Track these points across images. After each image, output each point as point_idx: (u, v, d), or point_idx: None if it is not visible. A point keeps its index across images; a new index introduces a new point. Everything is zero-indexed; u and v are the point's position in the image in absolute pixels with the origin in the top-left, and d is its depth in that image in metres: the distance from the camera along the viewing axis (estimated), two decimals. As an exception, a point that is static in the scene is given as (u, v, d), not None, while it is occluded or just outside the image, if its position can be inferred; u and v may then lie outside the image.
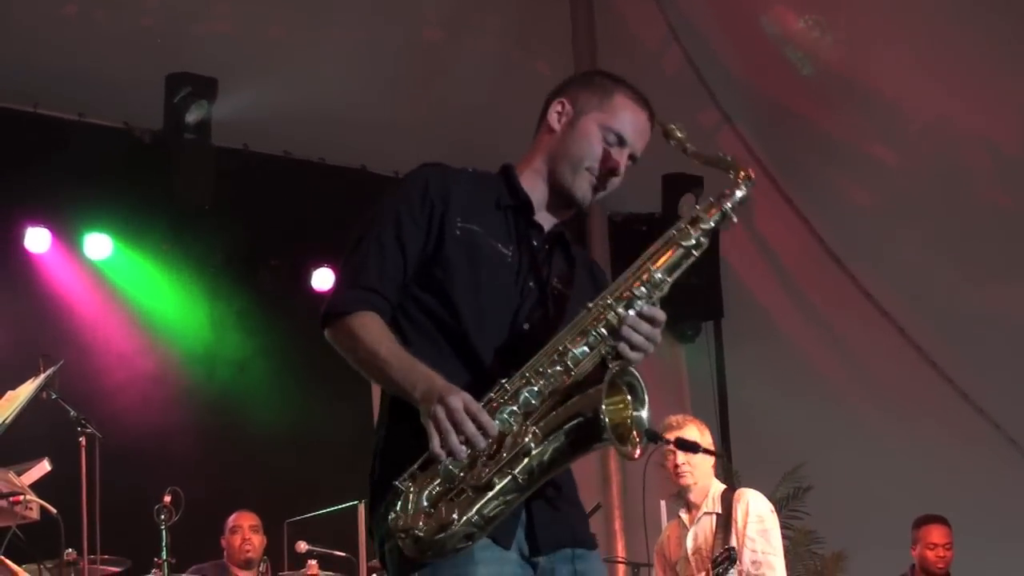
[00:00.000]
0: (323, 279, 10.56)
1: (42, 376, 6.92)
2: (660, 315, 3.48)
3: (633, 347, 3.43)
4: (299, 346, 10.40)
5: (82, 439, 7.78)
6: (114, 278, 9.93)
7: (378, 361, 3.47)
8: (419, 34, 10.89)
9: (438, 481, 3.33)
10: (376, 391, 10.74)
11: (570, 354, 3.41)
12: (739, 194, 3.69)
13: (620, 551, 10.88)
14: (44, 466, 6.91)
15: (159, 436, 9.53)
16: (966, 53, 9.96)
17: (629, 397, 3.41)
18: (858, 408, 10.85)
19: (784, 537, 7.28)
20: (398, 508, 3.34)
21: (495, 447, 3.33)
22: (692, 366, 11.94)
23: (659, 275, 3.51)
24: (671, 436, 7.05)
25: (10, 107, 9.24)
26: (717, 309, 11.96)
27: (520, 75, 11.37)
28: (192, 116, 9.41)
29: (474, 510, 3.30)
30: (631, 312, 3.44)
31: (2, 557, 6.54)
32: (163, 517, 8.16)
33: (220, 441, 10.02)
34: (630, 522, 11.05)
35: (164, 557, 8.26)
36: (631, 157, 3.72)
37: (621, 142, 3.69)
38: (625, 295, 3.47)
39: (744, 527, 6.94)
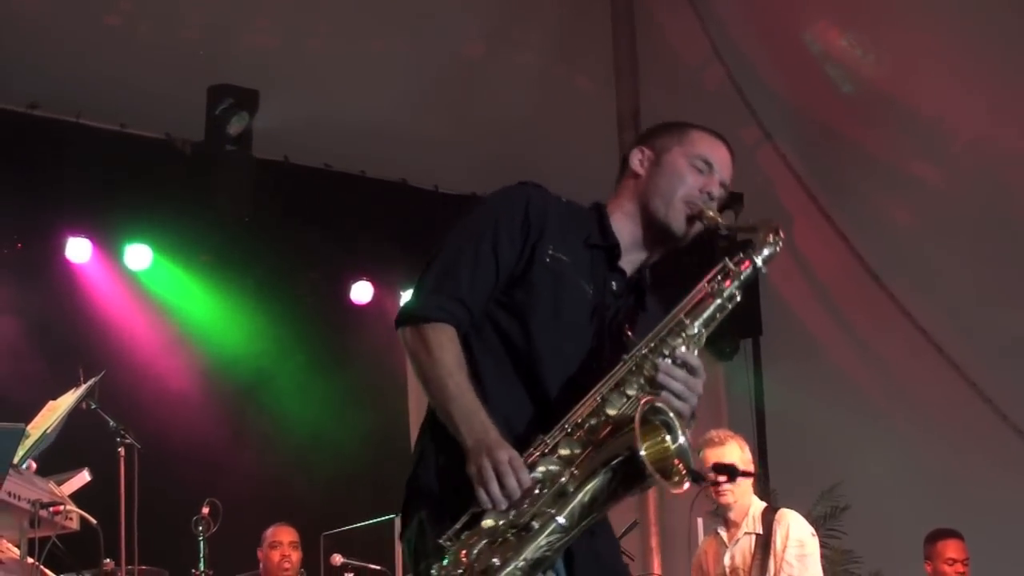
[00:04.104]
0: (362, 292, 10.59)
1: (83, 386, 6.94)
2: (695, 361, 3.50)
3: (673, 394, 3.45)
4: (337, 359, 10.46)
5: (121, 449, 7.81)
6: (154, 288, 9.96)
7: (445, 390, 3.48)
8: (460, 48, 10.91)
9: (481, 535, 3.35)
10: (413, 405, 10.69)
11: (608, 404, 3.44)
12: (767, 251, 3.69)
13: (656, 568, 10.85)
14: (84, 476, 6.92)
15: (198, 447, 9.56)
16: (1007, 71, 9.92)
17: (667, 435, 3.41)
18: (896, 427, 10.80)
19: (821, 557, 7.24)
20: (444, 562, 3.35)
21: (536, 491, 3.35)
22: (730, 383, 11.90)
23: (695, 328, 3.54)
24: (712, 452, 7.02)
25: (53, 117, 9.28)
26: (756, 326, 11.92)
27: (561, 90, 11.39)
28: (233, 128, 9.42)
29: (518, 554, 3.31)
30: (667, 360, 3.47)
31: (42, 566, 6.56)
32: (201, 528, 8.19)
33: (258, 453, 10.03)
34: (666, 539, 11.03)
35: (202, 568, 8.30)
36: (721, 185, 3.77)
37: (708, 166, 3.74)
38: (661, 346, 3.50)
39: (783, 550, 6.89)
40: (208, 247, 9.92)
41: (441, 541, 3.36)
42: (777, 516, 7.02)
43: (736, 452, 7.06)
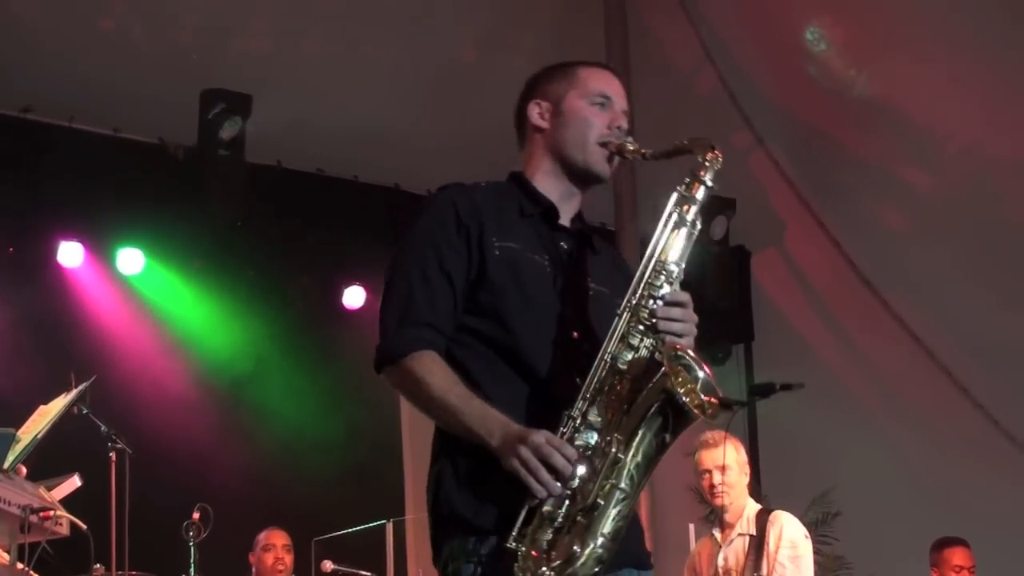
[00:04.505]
0: (354, 297, 10.60)
1: (74, 391, 6.93)
2: (684, 296, 3.51)
3: (676, 334, 3.47)
4: (329, 364, 10.45)
5: (112, 454, 7.80)
6: (146, 293, 9.96)
7: (448, 407, 3.46)
8: (453, 52, 10.89)
9: (546, 525, 3.32)
10: (405, 411, 10.72)
11: (620, 361, 3.44)
12: (715, 167, 3.62)
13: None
14: (75, 481, 6.91)
15: (189, 452, 9.56)
16: (1000, 77, 9.92)
17: (689, 374, 3.42)
18: (888, 432, 10.80)
19: (813, 562, 7.25)
20: (520, 564, 3.31)
21: (590, 468, 3.33)
22: (722, 388, 11.86)
23: (672, 265, 3.53)
24: (707, 453, 7.06)
25: (46, 121, 9.28)
26: (748, 332, 11.94)
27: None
28: (226, 132, 9.41)
29: (595, 533, 3.30)
30: (659, 304, 3.48)
31: (32, 572, 6.55)
32: (192, 533, 8.18)
33: (249, 458, 10.03)
34: (659, 545, 11.02)
35: (192, 573, 8.28)
36: (625, 114, 3.78)
37: (608, 99, 3.75)
38: (649, 290, 3.49)
39: (776, 551, 6.91)
40: (201, 252, 9.91)
41: (508, 545, 3.31)
42: (771, 517, 7.05)
43: (732, 454, 7.09)
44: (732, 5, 11.53)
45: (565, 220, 3.75)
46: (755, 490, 7.74)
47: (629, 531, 3.47)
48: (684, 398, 3.32)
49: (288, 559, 9.04)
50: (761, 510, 7.15)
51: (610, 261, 3.81)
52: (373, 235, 10.27)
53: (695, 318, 3.52)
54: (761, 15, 11.31)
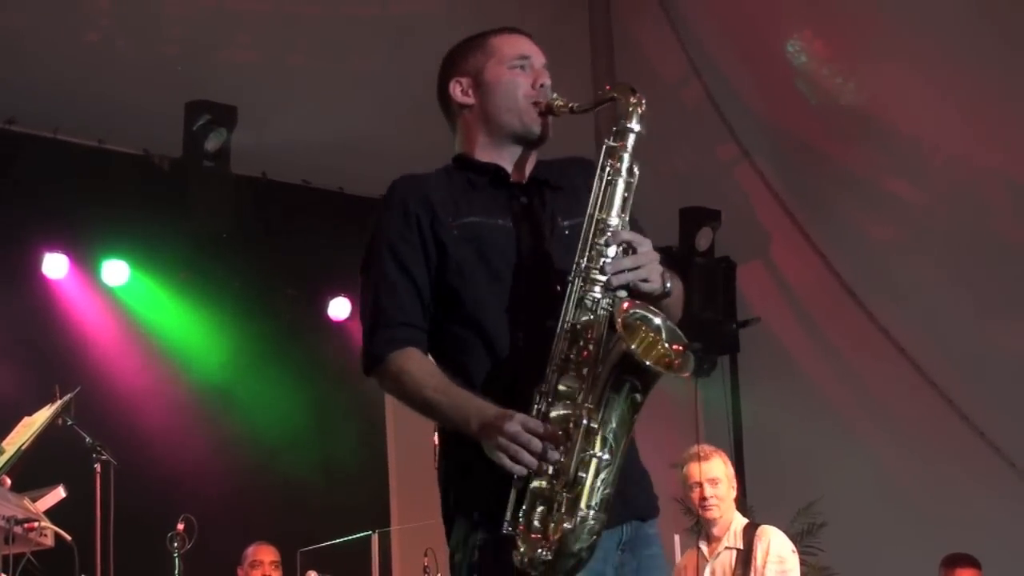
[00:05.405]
0: (340, 308, 10.58)
1: (58, 402, 6.92)
2: (628, 236, 3.45)
3: (635, 284, 3.42)
4: (315, 375, 10.44)
5: (97, 466, 7.77)
6: (131, 304, 9.93)
7: (428, 403, 3.49)
8: (439, 64, 10.88)
9: (535, 504, 3.33)
10: (391, 421, 10.72)
11: (578, 329, 3.40)
12: (638, 112, 3.57)
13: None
14: (59, 492, 6.90)
15: (174, 464, 9.53)
16: (986, 88, 9.95)
17: (647, 326, 3.40)
18: (873, 444, 10.81)
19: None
20: (519, 549, 3.32)
21: (566, 443, 3.32)
22: (707, 401, 11.90)
23: (615, 219, 3.48)
24: (696, 466, 7.06)
25: (30, 132, 9.26)
26: (733, 344, 11.94)
27: (539, 107, 11.37)
28: (211, 144, 9.39)
29: (582, 505, 3.30)
30: (607, 260, 3.42)
31: (16, 583, 6.54)
32: (176, 545, 8.16)
33: (234, 469, 10.01)
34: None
35: (177, 584, 8.25)
36: (546, 71, 3.76)
37: (526, 59, 3.74)
38: (595, 252, 3.44)
39: (763, 566, 6.91)
40: (186, 263, 9.89)
41: (505, 531, 3.33)
42: (758, 532, 7.05)
43: (721, 467, 7.11)
44: (718, 17, 11.56)
45: (519, 178, 3.72)
46: (741, 502, 7.75)
47: (630, 484, 3.50)
48: (642, 358, 3.30)
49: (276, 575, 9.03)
50: (748, 524, 7.16)
51: (581, 185, 3.68)
52: (358, 247, 10.21)
53: (652, 256, 3.46)
54: (747, 27, 11.34)
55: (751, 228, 11.63)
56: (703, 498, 7.08)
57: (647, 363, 3.30)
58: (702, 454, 7.11)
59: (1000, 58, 9.81)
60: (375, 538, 9.31)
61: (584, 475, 3.30)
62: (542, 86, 3.71)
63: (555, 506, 3.32)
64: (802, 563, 7.24)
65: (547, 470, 3.30)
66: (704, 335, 11.19)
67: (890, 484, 10.52)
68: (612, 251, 3.44)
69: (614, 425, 3.34)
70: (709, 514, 7.10)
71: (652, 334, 3.41)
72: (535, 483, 3.33)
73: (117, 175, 9.52)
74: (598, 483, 3.32)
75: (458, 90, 3.77)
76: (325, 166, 10.36)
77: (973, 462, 10.26)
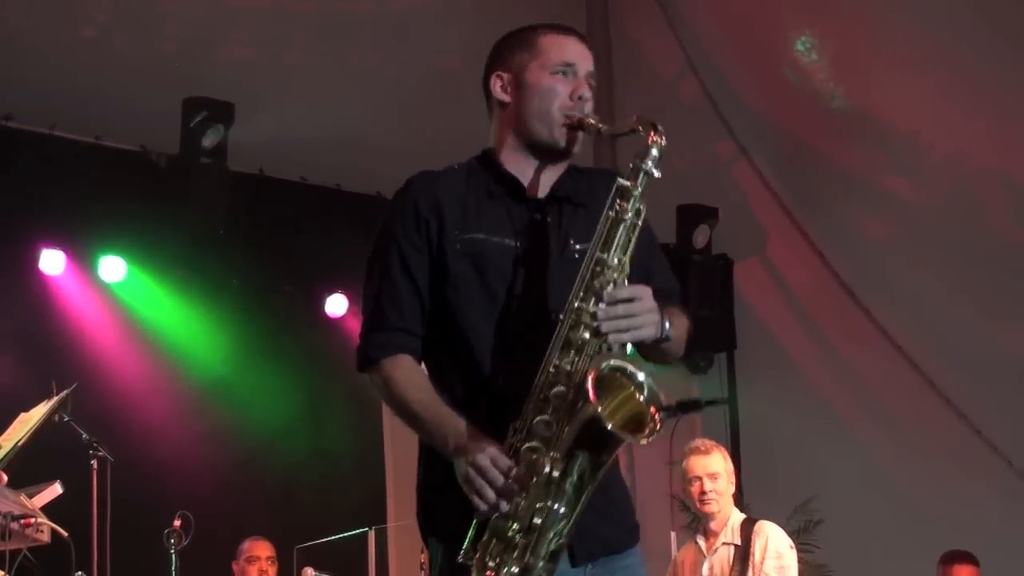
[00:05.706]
0: (337, 305, 10.58)
1: (55, 399, 6.93)
2: (626, 292, 3.40)
3: (623, 332, 3.37)
4: (311, 372, 10.44)
5: (94, 462, 7.78)
6: (128, 301, 9.93)
7: (410, 414, 3.51)
8: (435, 62, 10.89)
9: (492, 539, 3.32)
10: (387, 418, 10.71)
11: (563, 370, 3.36)
12: (655, 152, 3.52)
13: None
14: (56, 489, 6.91)
15: (170, 460, 9.54)
16: (984, 86, 9.94)
17: (632, 384, 3.36)
18: (870, 442, 10.80)
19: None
20: None
21: (527, 487, 3.30)
22: (704, 397, 11.88)
23: (615, 259, 3.44)
24: (697, 460, 7.07)
25: (27, 129, 9.24)
26: (730, 341, 11.93)
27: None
28: (208, 140, 9.38)
29: (532, 555, 3.29)
30: (601, 305, 3.37)
31: (12, 579, 6.54)
32: (173, 541, 8.16)
33: (231, 466, 10.01)
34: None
35: (173, 581, 8.25)
36: (590, 81, 3.68)
37: (570, 67, 3.65)
38: (589, 292, 3.40)
39: (761, 562, 6.92)
40: (183, 260, 9.88)
41: (460, 559, 3.33)
42: (756, 527, 7.06)
43: (720, 462, 7.12)
44: (715, 16, 11.55)
45: (542, 192, 3.68)
46: (737, 498, 7.76)
47: (605, 517, 3.51)
48: (611, 419, 3.26)
49: (272, 571, 9.04)
50: (746, 519, 7.16)
51: (594, 213, 3.60)
52: (356, 243, 10.20)
53: (649, 308, 3.41)
54: (744, 25, 11.34)
55: (749, 225, 11.63)
56: (702, 492, 7.09)
57: (612, 430, 3.25)
58: (702, 448, 7.13)
59: (998, 57, 9.81)
60: (372, 534, 9.31)
61: (539, 522, 3.29)
62: (580, 98, 3.64)
63: (509, 546, 3.31)
64: (799, 560, 7.25)
65: (505, 509, 3.29)
66: (701, 332, 11.18)
67: (887, 481, 10.52)
68: (606, 293, 3.39)
69: (575, 479, 3.31)
70: (707, 508, 7.11)
71: (632, 389, 3.36)
72: (495, 518, 3.31)
73: (114, 171, 9.51)
74: (551, 535, 3.31)
75: (498, 86, 3.73)
76: (322, 163, 10.35)
77: (970, 460, 10.26)
